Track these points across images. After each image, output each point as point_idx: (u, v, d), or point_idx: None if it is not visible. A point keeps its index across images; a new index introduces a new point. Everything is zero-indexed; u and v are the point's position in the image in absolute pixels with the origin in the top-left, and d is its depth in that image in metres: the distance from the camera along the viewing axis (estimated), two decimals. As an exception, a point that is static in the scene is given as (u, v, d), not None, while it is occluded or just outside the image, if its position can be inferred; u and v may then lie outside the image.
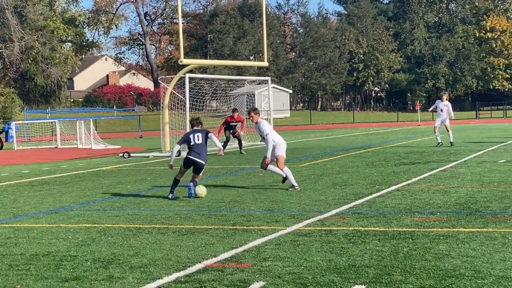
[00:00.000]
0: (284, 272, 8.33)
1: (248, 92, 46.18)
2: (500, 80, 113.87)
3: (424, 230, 10.66)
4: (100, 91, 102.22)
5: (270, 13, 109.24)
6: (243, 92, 45.90)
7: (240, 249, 9.71)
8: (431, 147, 29.97)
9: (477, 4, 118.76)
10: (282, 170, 16.73)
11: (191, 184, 15.51)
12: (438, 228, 10.79)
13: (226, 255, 9.37)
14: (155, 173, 22.73)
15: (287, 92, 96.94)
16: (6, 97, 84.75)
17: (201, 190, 15.60)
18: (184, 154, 18.84)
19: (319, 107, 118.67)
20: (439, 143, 30.18)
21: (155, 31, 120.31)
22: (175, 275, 8.35)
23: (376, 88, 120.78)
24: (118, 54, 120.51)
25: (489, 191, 14.84)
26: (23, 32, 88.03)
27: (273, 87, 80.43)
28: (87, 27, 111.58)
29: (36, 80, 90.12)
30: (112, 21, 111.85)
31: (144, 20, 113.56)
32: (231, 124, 31.22)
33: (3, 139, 49.17)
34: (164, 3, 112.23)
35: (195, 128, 16.19)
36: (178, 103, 33.59)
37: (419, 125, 64.28)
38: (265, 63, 38.13)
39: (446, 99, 30.88)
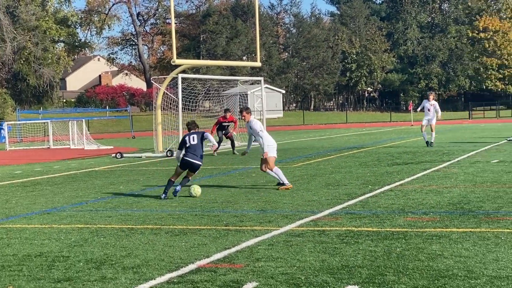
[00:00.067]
0: (277, 272, 8.32)
1: (241, 92, 46.16)
2: (493, 80, 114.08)
3: (417, 230, 10.67)
4: (93, 91, 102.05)
5: (263, 13, 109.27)
6: (236, 93, 45.87)
7: (233, 249, 9.70)
8: (424, 147, 29.99)
9: (470, 4, 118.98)
10: (272, 170, 16.78)
11: (179, 186, 15.71)
12: (431, 228, 10.80)
13: (219, 255, 9.36)
14: (148, 173, 22.70)
15: (280, 92, 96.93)
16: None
17: (195, 190, 15.69)
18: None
19: (312, 107, 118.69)
20: (426, 142, 30.25)
21: (148, 31, 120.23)
22: (168, 276, 8.34)
23: (369, 88, 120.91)
24: (110, 55, 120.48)
25: (482, 191, 14.85)
26: (15, 32, 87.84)
27: (266, 87, 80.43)
28: (79, 27, 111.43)
29: (29, 80, 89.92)
30: (104, 21, 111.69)
31: (136, 20, 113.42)
32: (224, 124, 31.19)
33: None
34: (157, 3, 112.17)
35: (192, 131, 16.34)
36: (170, 104, 33.55)
37: (412, 125, 64.32)
38: (258, 63, 38.15)
39: (433, 99, 31.06)
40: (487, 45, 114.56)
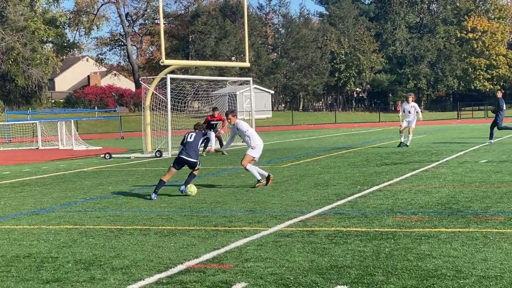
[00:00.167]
0: (266, 272, 8.32)
1: (230, 92, 46.19)
2: (481, 81, 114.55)
3: (406, 230, 10.68)
4: (81, 92, 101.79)
5: (251, 14, 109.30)
6: (225, 93, 45.90)
7: (222, 250, 9.70)
8: (412, 147, 30.06)
9: (458, 4, 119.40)
10: (245, 167, 17.15)
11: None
12: (420, 228, 10.82)
13: (208, 256, 9.35)
14: (137, 174, 22.67)
15: (269, 92, 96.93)
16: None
17: (191, 189, 15.89)
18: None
19: (301, 107, 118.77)
20: (401, 143, 30.47)
21: (137, 31, 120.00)
22: (157, 276, 8.33)
23: (357, 89, 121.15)
24: (99, 55, 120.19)
25: (470, 191, 14.89)
26: (3, 33, 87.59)
27: (255, 87, 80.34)
28: (68, 27, 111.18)
29: (17, 81, 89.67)
30: (93, 21, 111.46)
31: (125, 20, 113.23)
32: (212, 122, 31.16)
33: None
34: (146, 3, 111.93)
35: (196, 130, 16.72)
36: (159, 104, 33.52)
37: (401, 125, 64.35)
38: (246, 64, 38.13)
39: (412, 100, 31.20)
40: (475, 46, 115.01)
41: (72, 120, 47.75)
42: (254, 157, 17.39)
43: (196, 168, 16.35)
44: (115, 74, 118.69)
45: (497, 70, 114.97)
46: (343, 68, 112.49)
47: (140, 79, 40.09)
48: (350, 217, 12.11)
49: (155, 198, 15.55)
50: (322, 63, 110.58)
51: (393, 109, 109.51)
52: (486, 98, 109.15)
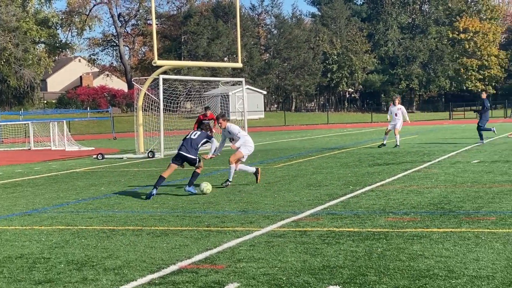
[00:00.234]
0: (258, 273, 8.33)
1: (222, 93, 46.17)
2: (473, 81, 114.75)
3: (398, 230, 10.70)
4: (74, 92, 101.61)
5: (244, 14, 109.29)
6: (218, 93, 45.88)
7: (215, 250, 9.70)
8: (404, 148, 30.11)
9: (450, 5, 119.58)
10: (231, 164, 17.43)
11: (191, 188, 16.08)
12: (412, 228, 10.84)
13: (201, 256, 9.35)
14: (129, 174, 22.65)
15: (261, 93, 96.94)
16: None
17: (207, 187, 16.13)
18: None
19: (293, 108, 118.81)
20: (382, 144, 30.72)
21: (129, 32, 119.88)
22: (149, 277, 8.33)
23: (350, 89, 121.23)
24: (91, 56, 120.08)
25: (462, 191, 14.92)
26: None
27: (247, 88, 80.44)
28: (60, 28, 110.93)
29: (9, 81, 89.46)
30: (85, 22, 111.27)
31: (117, 21, 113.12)
32: (204, 122, 31.10)
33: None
34: (138, 4, 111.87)
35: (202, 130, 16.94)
36: (152, 105, 33.48)
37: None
38: (239, 64, 38.11)
39: (399, 103, 31.48)
40: (467, 46, 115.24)
41: (65, 121, 47.66)
42: (243, 156, 17.65)
43: (197, 166, 16.43)
44: (108, 75, 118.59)
45: (488, 71, 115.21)
46: (335, 68, 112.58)
47: (132, 79, 40.02)
48: (342, 217, 12.13)
49: (155, 193, 15.68)
50: (314, 63, 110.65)
51: (385, 109, 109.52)
52: (478, 98, 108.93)
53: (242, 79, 40.23)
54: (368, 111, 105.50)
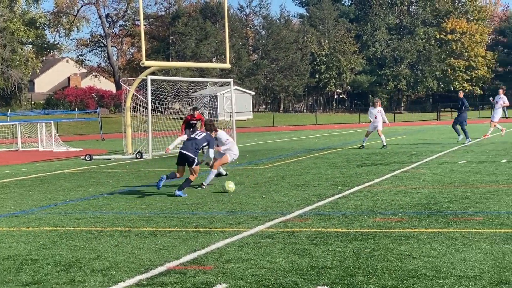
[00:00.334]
0: (246, 274, 8.33)
1: (210, 94, 46.18)
2: (461, 82, 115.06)
3: (386, 231, 10.72)
4: (62, 93, 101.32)
5: (232, 15, 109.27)
6: (206, 94, 45.87)
7: (203, 251, 9.70)
8: (392, 148, 30.17)
9: (437, 6, 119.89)
10: (214, 168, 17.69)
11: (181, 192, 16.07)
12: (399, 228, 10.86)
13: (189, 257, 9.35)
14: (117, 175, 22.61)
15: (249, 94, 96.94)
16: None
17: (229, 186, 16.35)
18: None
19: (281, 109, 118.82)
20: (362, 145, 31.17)
21: (117, 33, 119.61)
22: (137, 278, 8.32)
23: (338, 90, 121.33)
24: (79, 56, 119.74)
25: (450, 191, 14.96)
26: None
27: (236, 89, 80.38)
28: (48, 29, 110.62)
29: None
30: (73, 23, 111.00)
31: (105, 22, 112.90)
32: (191, 122, 31.01)
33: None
34: (126, 5, 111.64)
35: (207, 131, 17.02)
36: (140, 105, 33.44)
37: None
38: (227, 65, 38.07)
39: (379, 105, 31.79)
40: (454, 47, 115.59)
41: (52, 122, 47.53)
42: (228, 162, 18.11)
43: (193, 170, 16.40)
44: (96, 76, 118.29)
45: (476, 71, 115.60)
46: (323, 69, 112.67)
47: (120, 80, 39.89)
48: (330, 218, 12.14)
49: (162, 184, 16.14)
50: (302, 64, 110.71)
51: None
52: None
53: (231, 80, 40.20)
54: (356, 111, 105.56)
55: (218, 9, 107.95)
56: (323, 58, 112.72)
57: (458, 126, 32.32)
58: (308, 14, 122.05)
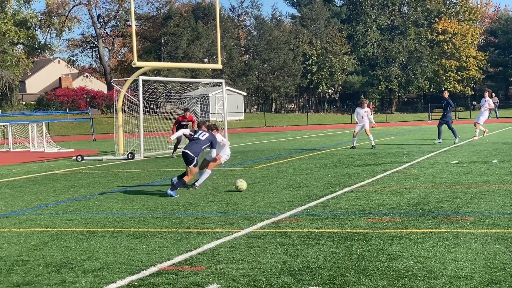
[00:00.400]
0: (238, 274, 8.33)
1: (202, 94, 46.06)
2: (452, 82, 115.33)
3: (377, 231, 10.73)
4: (53, 94, 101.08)
5: (224, 16, 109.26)
6: (197, 95, 45.77)
7: (195, 252, 9.69)
8: (383, 148, 30.21)
9: (429, 7, 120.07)
10: (208, 168, 17.64)
11: (173, 192, 16.04)
12: (391, 229, 10.87)
13: (180, 258, 9.34)
14: (109, 176, 22.58)
15: (241, 94, 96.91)
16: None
17: (241, 184, 16.39)
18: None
19: (273, 109, 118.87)
20: (353, 146, 31.25)
21: (108, 33, 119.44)
22: (129, 279, 8.31)
23: (330, 90, 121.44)
24: (71, 57, 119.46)
25: (441, 192, 14.99)
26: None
27: (227, 89, 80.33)
28: (39, 29, 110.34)
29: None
30: (64, 23, 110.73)
31: (97, 22, 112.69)
32: (183, 123, 30.96)
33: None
34: (117, 5, 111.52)
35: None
36: (131, 106, 33.41)
37: (372, 126, 64.63)
38: (219, 66, 38.07)
39: (366, 106, 32.00)
40: (446, 47, 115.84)
41: (44, 122, 47.43)
42: (221, 163, 18.25)
43: (190, 169, 16.47)
44: (87, 76, 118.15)
45: (467, 72, 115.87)
46: (315, 70, 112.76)
47: (112, 81, 39.85)
48: (322, 218, 12.15)
49: (174, 182, 16.03)
50: (294, 64, 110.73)
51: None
52: (456, 99, 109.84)
53: (222, 80, 40.21)
54: (348, 112, 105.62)
55: (209, 9, 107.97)
56: (315, 58, 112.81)
57: (442, 128, 32.53)
58: (299, 15, 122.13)
